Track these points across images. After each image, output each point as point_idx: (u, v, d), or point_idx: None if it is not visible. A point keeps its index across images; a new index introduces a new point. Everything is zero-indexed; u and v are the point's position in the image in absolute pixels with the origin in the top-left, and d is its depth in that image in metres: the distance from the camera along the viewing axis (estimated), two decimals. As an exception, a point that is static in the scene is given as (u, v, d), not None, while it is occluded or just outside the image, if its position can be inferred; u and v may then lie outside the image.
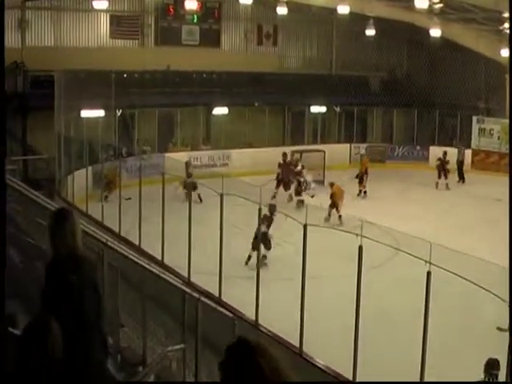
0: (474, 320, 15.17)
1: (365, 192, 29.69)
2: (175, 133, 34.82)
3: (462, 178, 34.41)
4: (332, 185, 27.17)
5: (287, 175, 28.60)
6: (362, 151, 37.32)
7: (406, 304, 14.58)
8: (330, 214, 25.33)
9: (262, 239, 19.02)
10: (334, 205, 25.96)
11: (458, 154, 35.23)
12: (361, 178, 29.98)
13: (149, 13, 35.66)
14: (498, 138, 37.48)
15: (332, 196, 26.68)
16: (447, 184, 32.36)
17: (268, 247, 19.09)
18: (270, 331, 12.63)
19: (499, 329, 14.25)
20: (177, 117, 34.04)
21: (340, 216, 25.53)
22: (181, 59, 34.03)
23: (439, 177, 32.47)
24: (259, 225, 18.40)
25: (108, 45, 34.34)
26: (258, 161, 32.23)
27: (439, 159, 32.96)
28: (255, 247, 18.25)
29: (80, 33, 33.65)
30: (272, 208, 18.71)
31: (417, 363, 10.24)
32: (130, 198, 20.14)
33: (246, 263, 18.80)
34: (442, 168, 32.62)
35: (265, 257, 18.77)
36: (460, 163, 34.90)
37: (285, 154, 29.68)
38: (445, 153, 33.13)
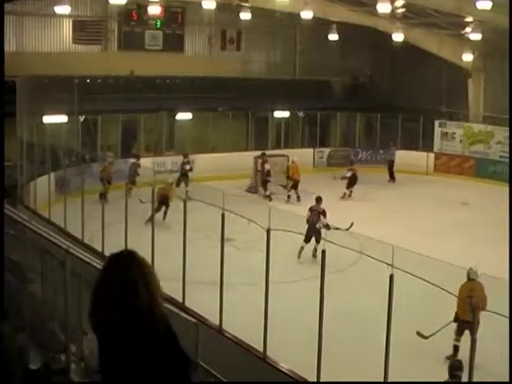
0: (436, 321, 15.29)
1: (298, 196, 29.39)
2: (138, 138, 34.70)
3: (392, 177, 35.03)
4: (292, 162, 30.23)
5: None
6: (320, 156, 37.79)
7: (370, 307, 14.65)
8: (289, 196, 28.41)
9: (315, 231, 20.19)
10: (295, 185, 28.75)
11: (388, 154, 35.61)
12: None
13: (112, 18, 35.46)
14: (460, 142, 37.91)
15: (292, 175, 29.41)
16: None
17: (318, 240, 19.59)
18: (233, 336, 12.61)
19: (419, 334, 13.71)
20: (140, 122, 33.91)
21: (298, 196, 28.68)
22: (144, 64, 33.90)
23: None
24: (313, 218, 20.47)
25: (71, 50, 34.10)
26: (222, 166, 32.22)
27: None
28: (307, 239, 19.94)
29: (42, 38, 33.40)
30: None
31: (381, 364, 10.29)
32: (145, 202, 19.67)
33: (299, 256, 19.86)
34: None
35: (315, 250, 19.59)
36: (391, 162, 35.31)
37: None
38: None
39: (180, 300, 13.95)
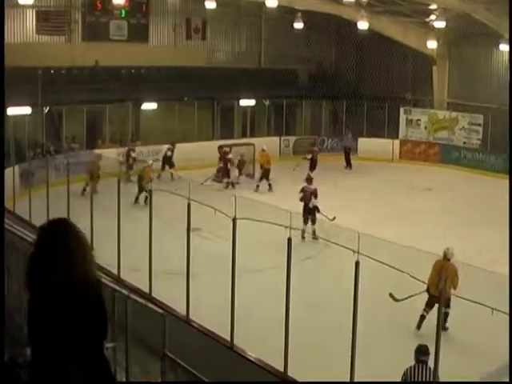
0: (402, 307, 15.48)
1: (269, 185, 29.69)
2: (104, 129, 34.49)
3: (349, 164, 35.39)
4: (263, 150, 30.54)
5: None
6: (286, 144, 37.92)
7: (337, 294, 14.75)
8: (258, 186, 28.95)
9: (311, 213, 21.62)
10: (266, 174, 29.16)
11: (344, 140, 35.90)
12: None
13: (76, 8, 35.13)
14: (425, 128, 38.22)
15: (262, 164, 29.78)
16: None
17: (314, 221, 21.57)
18: (201, 326, 12.63)
19: (392, 296, 14.89)
20: (105, 113, 33.67)
21: (270, 184, 29.17)
22: (109, 55, 33.68)
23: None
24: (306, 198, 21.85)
25: (34, 41, 33.78)
26: (188, 155, 32.14)
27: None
28: (305, 221, 21.38)
29: (6, 28, 32.97)
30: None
31: (348, 351, 10.36)
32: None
33: (303, 237, 20.68)
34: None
35: (314, 232, 20.99)
36: (347, 149, 35.75)
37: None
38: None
39: (147, 291, 13.93)
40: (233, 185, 29.96)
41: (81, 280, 3.88)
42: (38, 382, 3.56)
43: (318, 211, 21.87)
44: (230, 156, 30.90)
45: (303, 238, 20.89)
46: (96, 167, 26.33)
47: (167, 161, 31.38)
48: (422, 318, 14.70)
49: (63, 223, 4.08)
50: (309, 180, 23.13)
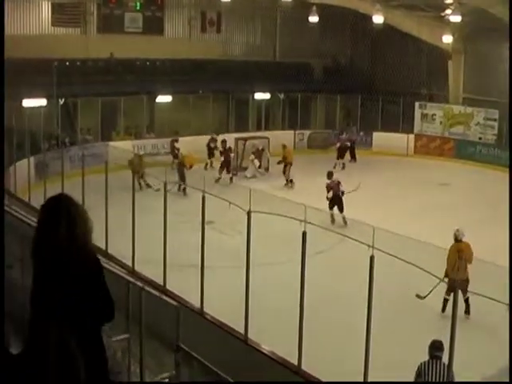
0: (417, 303, 15.48)
1: (291, 181, 29.65)
2: (118, 121, 34.54)
3: (353, 157, 35.41)
4: (284, 146, 30.89)
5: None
6: (300, 138, 37.89)
7: (351, 288, 14.73)
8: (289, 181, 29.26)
9: (339, 201, 23.67)
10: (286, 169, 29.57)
11: (349, 134, 35.88)
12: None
13: (91, 0, 35.21)
14: (440, 123, 38.07)
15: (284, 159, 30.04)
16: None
17: (341, 209, 23.51)
18: (215, 319, 12.63)
19: (418, 296, 15.35)
20: (120, 105, 33.73)
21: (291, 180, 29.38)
22: (124, 47, 33.74)
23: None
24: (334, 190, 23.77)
25: (50, 33, 33.88)
26: (202, 148, 32.16)
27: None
28: (331, 207, 23.60)
29: (21, 21, 33.09)
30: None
31: (362, 346, 10.33)
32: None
33: (332, 220, 22.96)
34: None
35: (344, 218, 22.92)
36: (351, 142, 35.68)
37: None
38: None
39: (161, 283, 13.94)
40: (231, 179, 29.72)
41: (81, 246, 4.25)
42: (34, 349, 3.57)
43: (343, 194, 23.91)
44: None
45: (333, 220, 23.01)
46: (139, 163, 26.73)
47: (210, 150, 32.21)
48: (446, 301, 15.12)
49: (65, 196, 4.49)
50: (330, 175, 24.50)
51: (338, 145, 34.22)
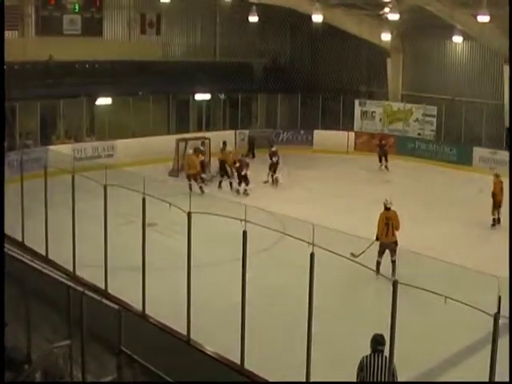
0: (357, 296, 15.73)
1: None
2: (58, 125, 34.18)
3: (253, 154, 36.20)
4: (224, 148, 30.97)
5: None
6: (242, 137, 37.89)
7: (292, 285, 14.83)
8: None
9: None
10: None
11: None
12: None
13: (29, 2, 34.72)
14: (380, 120, 38.54)
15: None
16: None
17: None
18: (157, 321, 12.61)
19: (352, 254, 14.88)
20: (59, 108, 33.37)
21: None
22: (63, 49, 33.29)
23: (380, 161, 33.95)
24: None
25: (-15, 36, 33.33)
26: (144, 150, 32.04)
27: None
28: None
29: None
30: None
31: (303, 342, 10.42)
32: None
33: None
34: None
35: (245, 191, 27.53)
36: (252, 139, 37.22)
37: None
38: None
39: (102, 287, 13.84)
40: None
41: None
42: None
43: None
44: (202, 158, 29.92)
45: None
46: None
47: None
48: (378, 263, 17.22)
49: None
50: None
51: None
